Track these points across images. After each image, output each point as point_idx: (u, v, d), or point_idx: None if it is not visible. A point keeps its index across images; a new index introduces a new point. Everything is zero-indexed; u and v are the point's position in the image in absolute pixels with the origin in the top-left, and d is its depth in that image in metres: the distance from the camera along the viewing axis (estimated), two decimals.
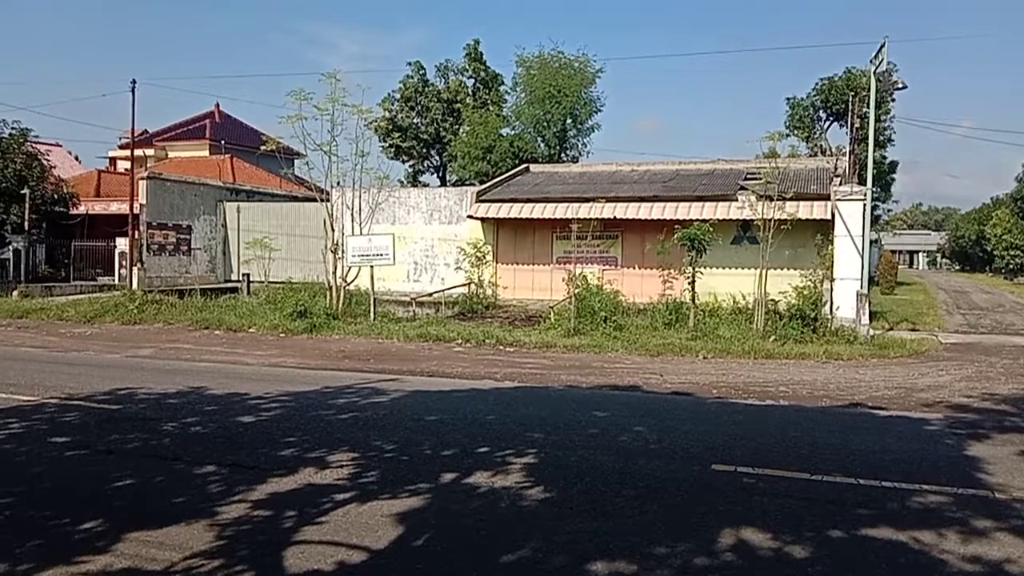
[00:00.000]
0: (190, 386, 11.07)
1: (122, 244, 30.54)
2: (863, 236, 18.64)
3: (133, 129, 31.97)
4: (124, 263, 29.72)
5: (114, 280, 30.52)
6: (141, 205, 25.85)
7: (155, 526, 5.47)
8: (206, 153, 44.69)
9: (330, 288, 20.64)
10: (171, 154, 46.19)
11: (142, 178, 26.54)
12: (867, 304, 18.27)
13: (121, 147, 45.44)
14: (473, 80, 47.20)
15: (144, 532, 5.35)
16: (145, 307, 21.36)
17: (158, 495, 6.27)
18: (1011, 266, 57.49)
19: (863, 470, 7.05)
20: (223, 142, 44.68)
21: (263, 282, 23.27)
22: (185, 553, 5.02)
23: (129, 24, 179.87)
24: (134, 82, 30.05)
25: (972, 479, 6.88)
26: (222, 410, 9.50)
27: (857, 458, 7.51)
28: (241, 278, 25.94)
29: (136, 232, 26.65)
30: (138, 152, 35.19)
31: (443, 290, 23.22)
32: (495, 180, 26.49)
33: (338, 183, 21.53)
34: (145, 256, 25.64)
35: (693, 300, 18.04)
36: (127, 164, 36.10)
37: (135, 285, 25.01)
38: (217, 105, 51.14)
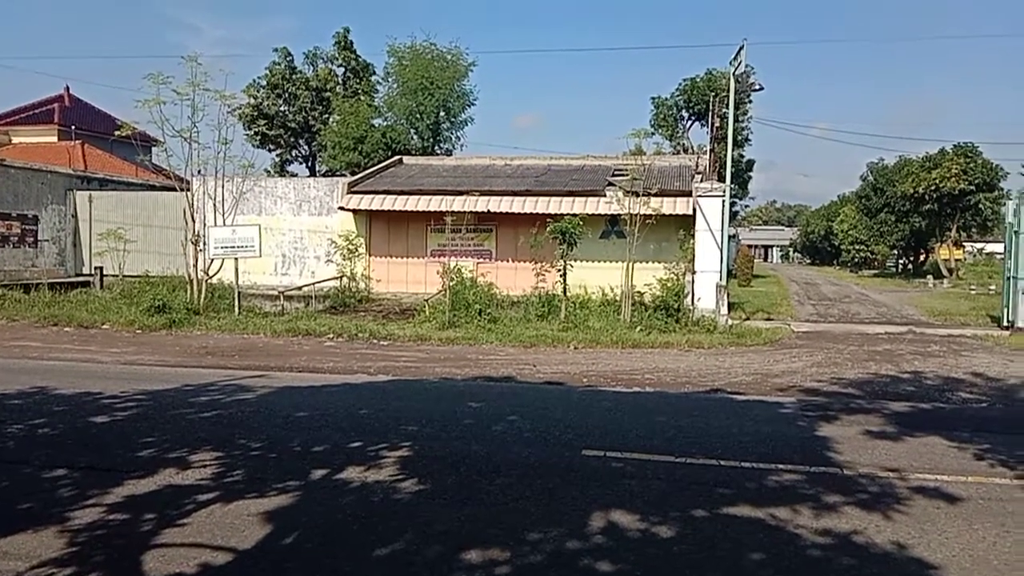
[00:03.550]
0: (36, 385, 10.32)
1: None
2: (722, 231, 19.53)
3: None
4: None
5: None
6: None
7: None
8: (54, 139, 41.60)
9: (191, 282, 19.72)
10: (15, 139, 42.48)
11: None
12: (726, 295, 19.16)
13: None
14: (343, 69, 46.16)
15: None
16: None
17: (1, 502, 5.81)
18: (856, 259, 61.53)
19: (723, 452, 7.39)
20: (73, 127, 41.70)
21: (118, 276, 21.99)
22: (32, 562, 4.68)
23: None
24: None
25: (823, 458, 7.33)
26: (73, 410, 8.91)
27: (718, 441, 7.86)
28: (93, 271, 24.40)
29: None
30: None
31: (314, 283, 22.66)
32: (368, 171, 26.04)
33: (199, 172, 20.55)
34: None
35: (565, 292, 18.40)
36: None
37: None
38: (67, 88, 47.66)
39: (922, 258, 57.14)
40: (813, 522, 5.57)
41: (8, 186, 24.32)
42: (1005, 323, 19.03)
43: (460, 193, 21.42)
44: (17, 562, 4.68)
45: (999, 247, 59.05)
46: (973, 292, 33.26)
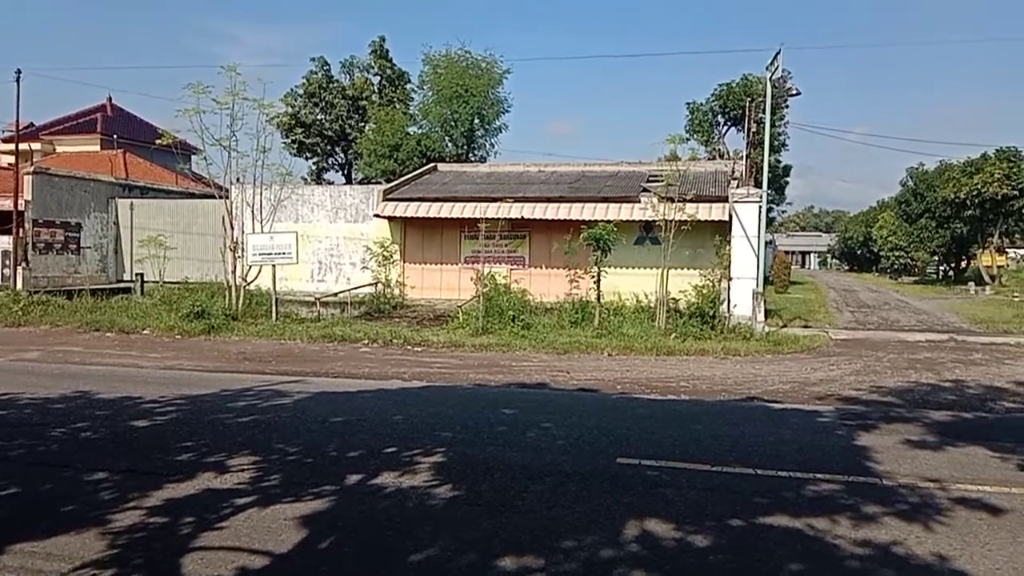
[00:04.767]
0: (79, 390, 10.54)
1: (4, 242, 28.79)
2: (759, 237, 19.35)
3: (18, 121, 30.08)
4: (7, 262, 28.03)
5: None
6: (26, 201, 24.52)
7: (42, 536, 5.18)
8: (97, 148, 42.55)
9: (229, 288, 20.03)
10: (59, 148, 43.80)
11: (27, 173, 25.15)
12: (762, 302, 18.96)
13: (4, 140, 42.79)
14: (379, 77, 46.61)
15: (30, 543, 5.06)
16: (30, 308, 20.27)
17: (45, 504, 5.93)
18: (895, 266, 60.54)
19: (760, 461, 7.30)
20: (116, 137, 42.63)
21: (158, 282, 22.41)
22: (75, 563, 4.77)
23: (8, 9, 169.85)
24: (19, 72, 28.30)
25: (862, 467, 7.21)
26: (114, 415, 9.08)
27: (755, 449, 7.78)
28: (134, 278, 24.93)
29: (20, 230, 25.21)
30: (23, 146, 33.19)
31: (349, 290, 22.86)
32: (403, 179, 26.27)
33: (238, 180, 20.91)
34: (30, 255, 24.33)
35: (598, 299, 18.34)
36: (11, 159, 34.06)
37: (19, 285, 23.69)
38: (109, 98, 48.69)
39: (963, 264, 56.04)
40: (852, 532, 5.48)
41: (52, 194, 24.92)
42: None
43: (494, 200, 21.49)
44: (60, 563, 4.78)
45: None
46: (1016, 299, 32.53)
